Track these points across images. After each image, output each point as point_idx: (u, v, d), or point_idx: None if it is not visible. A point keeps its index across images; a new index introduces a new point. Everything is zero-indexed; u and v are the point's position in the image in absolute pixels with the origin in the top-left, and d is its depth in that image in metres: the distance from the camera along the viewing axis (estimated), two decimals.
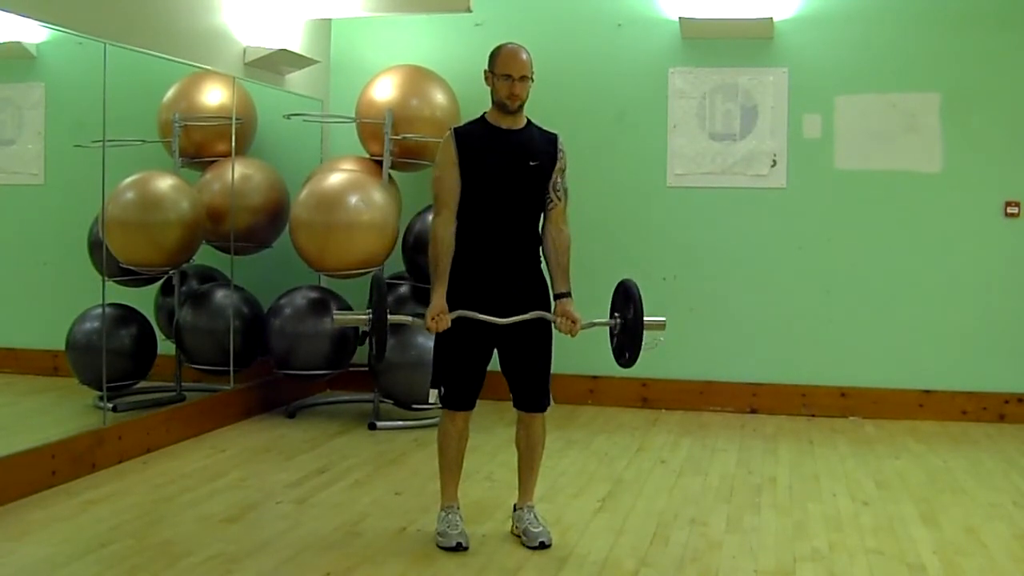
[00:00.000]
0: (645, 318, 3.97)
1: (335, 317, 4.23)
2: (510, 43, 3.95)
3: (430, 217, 4.09)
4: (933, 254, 6.61)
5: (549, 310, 4.05)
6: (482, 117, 4.01)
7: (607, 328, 4.16)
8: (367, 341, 4.06)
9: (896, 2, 6.58)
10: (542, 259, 4.08)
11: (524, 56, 3.91)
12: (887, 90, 6.61)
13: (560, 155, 4.02)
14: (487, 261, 3.97)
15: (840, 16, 6.63)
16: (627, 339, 4.04)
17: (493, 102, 3.96)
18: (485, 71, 3.95)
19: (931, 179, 6.60)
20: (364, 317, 3.97)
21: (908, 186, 6.61)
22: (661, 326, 4.05)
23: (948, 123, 6.55)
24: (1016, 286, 6.52)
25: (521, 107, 3.95)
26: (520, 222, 3.99)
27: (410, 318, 4.09)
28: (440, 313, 3.86)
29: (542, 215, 4.05)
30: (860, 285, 6.67)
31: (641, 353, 4.01)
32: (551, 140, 4.03)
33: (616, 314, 4.10)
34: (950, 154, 6.56)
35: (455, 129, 4.00)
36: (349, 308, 6.36)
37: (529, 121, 4.02)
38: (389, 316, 3.90)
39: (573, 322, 3.98)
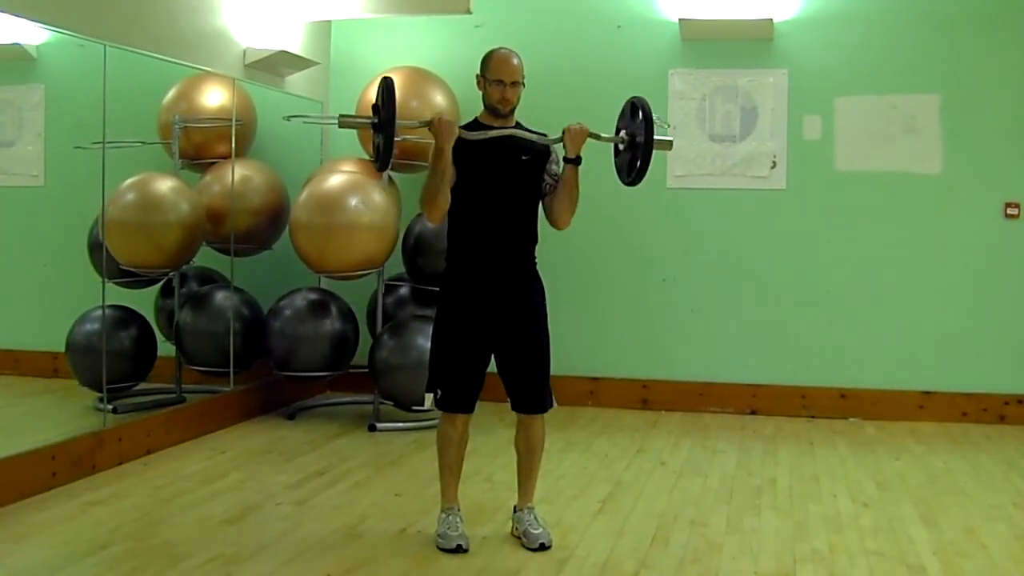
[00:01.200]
0: (655, 136, 3.91)
1: (341, 118, 4.07)
2: (502, 48, 4.01)
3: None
4: (933, 255, 6.61)
5: (545, 306, 4.07)
6: (474, 120, 4.07)
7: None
8: (373, 146, 3.93)
9: (896, 3, 6.58)
10: (538, 258, 4.09)
11: (516, 61, 3.95)
12: (887, 91, 6.62)
13: (551, 149, 4.07)
14: (483, 262, 3.98)
15: (840, 17, 6.63)
16: (633, 157, 3.99)
17: (485, 106, 4.02)
18: (477, 75, 4.00)
19: (931, 180, 6.60)
20: (371, 120, 3.90)
21: (908, 187, 6.62)
22: (668, 145, 4.03)
23: (948, 124, 6.56)
24: (1016, 287, 6.52)
25: (512, 111, 4.00)
26: (515, 218, 4.00)
27: (417, 122, 3.99)
28: (448, 120, 3.82)
29: (537, 213, 4.06)
30: (860, 286, 6.67)
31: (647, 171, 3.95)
32: (541, 137, 4.07)
33: (624, 130, 4.07)
34: (950, 155, 6.57)
35: None
36: (349, 311, 6.36)
37: (519, 123, 4.07)
38: (397, 120, 3.82)
39: (580, 126, 3.94)
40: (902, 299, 6.63)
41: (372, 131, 3.92)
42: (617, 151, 4.13)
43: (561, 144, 4.00)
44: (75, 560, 3.78)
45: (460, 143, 3.92)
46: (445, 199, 3.89)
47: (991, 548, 4.11)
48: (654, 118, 3.92)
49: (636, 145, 3.98)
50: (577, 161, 3.98)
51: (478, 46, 4.17)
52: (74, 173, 5.41)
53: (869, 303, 6.67)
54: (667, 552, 4.02)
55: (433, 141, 3.85)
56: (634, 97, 4.07)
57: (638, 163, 3.96)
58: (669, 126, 4.00)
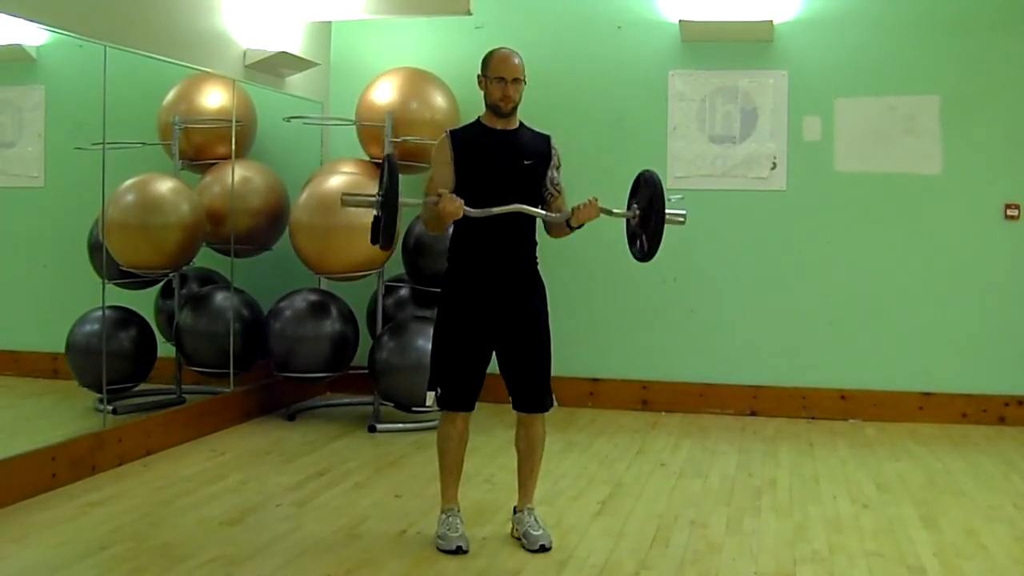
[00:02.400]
0: (667, 211, 3.90)
1: (344, 197, 4.03)
2: (502, 47, 4.01)
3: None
4: (933, 256, 6.61)
5: (547, 306, 4.08)
6: (477, 121, 4.07)
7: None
8: (374, 223, 3.90)
9: (896, 5, 6.58)
10: (539, 260, 4.09)
11: (516, 59, 3.96)
12: (887, 93, 6.62)
13: (554, 153, 4.07)
14: (485, 262, 3.99)
15: (840, 19, 6.63)
16: (646, 232, 3.98)
17: (487, 105, 4.01)
18: (478, 75, 4.00)
19: (931, 181, 6.60)
20: (374, 197, 3.88)
21: (908, 188, 6.62)
22: (682, 219, 3.97)
23: (948, 126, 6.56)
24: (1016, 289, 6.52)
25: (514, 110, 4.00)
26: (517, 222, 3.99)
27: (422, 200, 3.94)
28: (453, 197, 3.79)
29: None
30: (860, 287, 6.67)
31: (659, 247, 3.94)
32: (544, 140, 4.08)
33: (635, 204, 4.05)
34: (950, 156, 6.57)
35: (450, 131, 4.06)
36: (349, 312, 6.36)
37: (522, 123, 4.07)
38: (400, 198, 3.79)
39: (589, 203, 3.91)
40: (902, 300, 6.63)
41: (375, 210, 3.88)
42: (628, 225, 4.11)
43: (571, 214, 3.96)
44: (75, 561, 3.78)
45: (461, 145, 3.92)
46: (446, 229, 4.01)
47: (991, 549, 4.11)
48: (666, 193, 3.90)
49: (647, 223, 3.97)
50: (578, 227, 3.99)
51: (478, 47, 4.17)
52: (74, 174, 5.41)
53: (869, 304, 6.67)
54: (667, 553, 4.02)
55: (438, 208, 3.83)
56: (645, 171, 4.05)
57: (650, 239, 3.96)
58: (681, 199, 3.98)
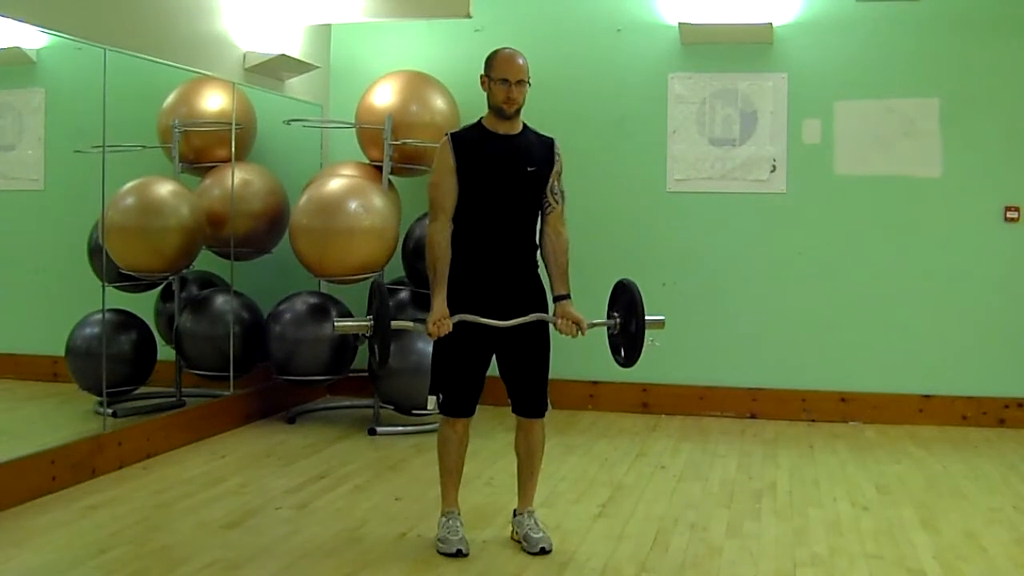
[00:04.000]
0: (646, 318, 3.94)
1: (336, 325, 4.14)
2: (506, 48, 3.96)
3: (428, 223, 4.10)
4: (933, 259, 6.61)
5: (547, 310, 4.07)
6: (479, 123, 4.01)
7: (604, 328, 4.14)
8: (369, 347, 4.03)
9: (895, 7, 6.58)
10: (540, 263, 4.08)
11: (521, 60, 3.90)
12: (887, 95, 6.62)
13: (557, 159, 4.02)
14: (485, 266, 3.98)
15: (839, 21, 6.64)
16: (626, 341, 4.03)
17: (489, 107, 3.95)
18: (481, 76, 3.94)
19: (930, 184, 6.60)
20: (366, 324, 3.94)
21: (908, 191, 6.62)
22: (660, 324, 4.02)
23: (947, 128, 6.56)
24: (1016, 291, 6.52)
25: (518, 112, 3.94)
26: (518, 227, 3.99)
27: (411, 323, 4.07)
28: (441, 318, 3.85)
29: (539, 219, 4.05)
30: (860, 290, 6.67)
31: (641, 354, 4.00)
32: (548, 145, 4.03)
33: (615, 314, 4.08)
34: (949, 159, 6.57)
35: (452, 134, 4.00)
36: (349, 314, 6.36)
37: (525, 126, 4.02)
38: (391, 322, 3.88)
39: (575, 323, 3.96)
40: (902, 303, 6.63)
41: (367, 336, 3.96)
42: (610, 332, 4.14)
43: (553, 312, 4.02)
44: (75, 564, 3.78)
45: (464, 149, 3.90)
46: None
47: (991, 551, 4.11)
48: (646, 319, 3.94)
49: (627, 331, 4.02)
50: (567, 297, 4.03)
51: (478, 50, 4.16)
52: (74, 177, 5.41)
53: (869, 306, 6.67)
54: (667, 556, 4.02)
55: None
56: (623, 279, 4.09)
57: (631, 347, 4.02)
58: (654, 342, 4.04)
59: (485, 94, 3.95)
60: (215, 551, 3.95)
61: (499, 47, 3.98)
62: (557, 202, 4.03)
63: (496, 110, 3.93)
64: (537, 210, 4.02)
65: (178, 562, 3.82)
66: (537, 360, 4.04)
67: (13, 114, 5.28)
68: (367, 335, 3.97)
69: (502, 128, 3.95)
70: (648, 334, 3.97)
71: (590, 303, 6.87)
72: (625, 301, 4.04)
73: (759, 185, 6.76)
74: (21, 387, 5.42)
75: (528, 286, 4.04)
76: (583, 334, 4.00)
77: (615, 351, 4.14)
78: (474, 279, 3.97)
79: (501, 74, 3.87)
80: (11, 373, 5.36)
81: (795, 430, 6.42)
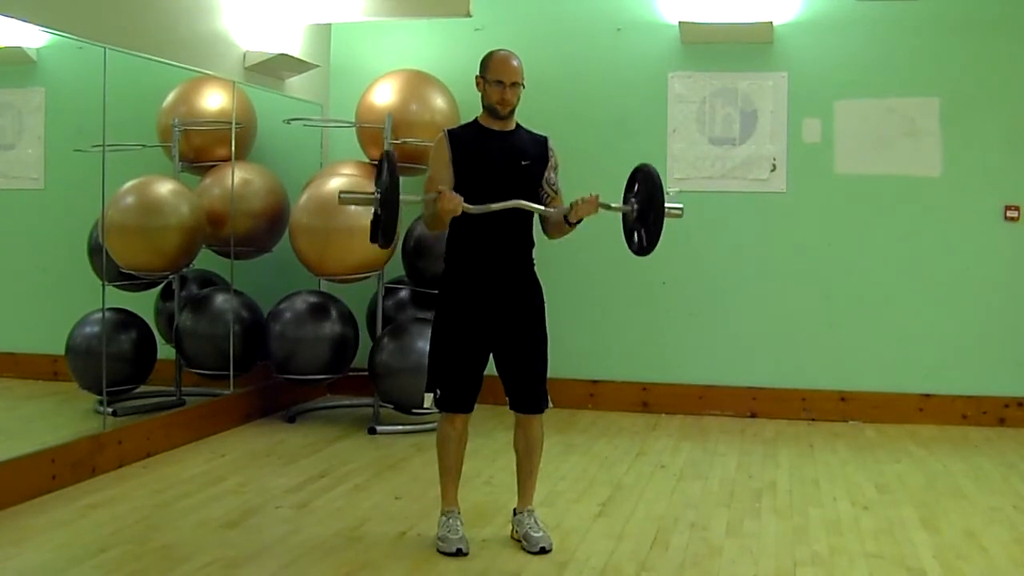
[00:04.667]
0: (665, 205, 3.89)
1: (341, 196, 4.00)
2: (502, 49, 4.02)
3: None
4: (933, 258, 6.61)
5: (544, 307, 4.09)
6: (474, 121, 4.07)
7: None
8: (373, 223, 3.88)
9: (896, 7, 6.57)
10: (536, 261, 4.09)
11: (515, 63, 3.96)
12: (887, 95, 6.62)
13: (551, 154, 4.07)
14: (482, 262, 3.99)
15: (840, 21, 6.64)
16: (644, 227, 3.98)
17: (484, 107, 4.02)
18: (477, 77, 4.00)
19: (931, 183, 6.60)
20: (372, 195, 3.85)
21: (908, 190, 6.62)
22: (679, 213, 3.97)
23: (948, 127, 6.56)
24: (1016, 290, 6.52)
25: (512, 113, 4.00)
26: (513, 223, 3.99)
27: (421, 197, 3.92)
28: (453, 195, 3.78)
29: (534, 217, 4.06)
30: (860, 289, 6.67)
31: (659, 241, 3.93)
32: (541, 142, 4.09)
33: (633, 199, 4.04)
34: (950, 158, 6.57)
35: (448, 130, 4.07)
36: (349, 314, 6.36)
37: (519, 125, 4.08)
38: (400, 195, 3.76)
39: (588, 200, 3.89)
40: (902, 302, 6.63)
41: (374, 208, 3.86)
42: (625, 219, 4.10)
43: (568, 209, 3.94)
44: (75, 563, 3.78)
45: (459, 146, 3.93)
46: (446, 226, 3.95)
47: (991, 551, 4.11)
48: (664, 187, 3.90)
49: (646, 217, 3.96)
50: (576, 223, 3.97)
51: (478, 49, 4.17)
52: (74, 176, 5.41)
53: (869, 306, 6.67)
54: (667, 555, 4.02)
55: (438, 206, 3.81)
56: (642, 165, 4.04)
57: (649, 234, 3.96)
58: (677, 192, 3.99)
59: (480, 94, 4.01)
60: (215, 550, 3.95)
61: (496, 48, 4.04)
62: (555, 192, 4.07)
63: (490, 110, 3.99)
64: None
65: (178, 561, 3.82)
66: (534, 356, 4.04)
67: (13, 113, 5.28)
68: (377, 210, 3.83)
69: (497, 126, 4.01)
70: (667, 185, 3.89)
71: (590, 302, 6.91)
72: (645, 187, 3.99)
73: (759, 184, 6.76)
74: (21, 386, 5.42)
75: (524, 282, 4.05)
76: (598, 209, 3.91)
77: (630, 237, 4.10)
78: (470, 274, 3.99)
79: (496, 76, 3.93)
80: (11, 372, 5.36)
81: (795, 429, 6.42)
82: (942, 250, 6.60)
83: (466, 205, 3.81)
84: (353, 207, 5.24)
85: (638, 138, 6.85)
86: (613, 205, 4.01)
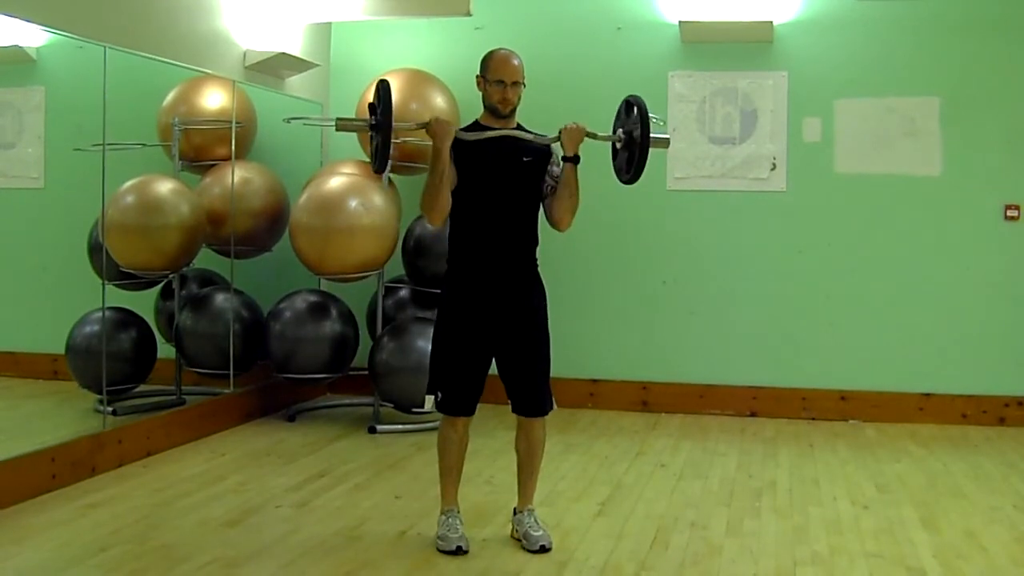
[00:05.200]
0: (651, 134, 3.92)
1: (338, 121, 4.09)
2: (502, 49, 4.02)
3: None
4: (933, 257, 6.61)
5: (546, 309, 4.08)
6: (475, 122, 4.07)
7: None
8: (371, 150, 3.94)
9: (896, 6, 6.57)
10: (538, 260, 4.09)
11: (516, 62, 3.96)
12: (887, 94, 6.62)
13: (552, 150, 4.08)
14: (484, 264, 3.98)
15: (840, 20, 6.63)
16: (631, 154, 3.99)
17: (485, 107, 4.02)
18: (477, 76, 4.01)
19: (931, 183, 6.60)
20: (367, 121, 3.92)
21: (908, 190, 6.62)
22: (666, 143, 4.02)
23: (948, 127, 6.56)
24: (1016, 290, 6.52)
25: (513, 112, 4.00)
26: (516, 220, 4.00)
27: (413, 123, 3.99)
28: (444, 120, 3.86)
29: (537, 215, 4.07)
30: (860, 288, 6.67)
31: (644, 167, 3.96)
32: (539, 137, 4.07)
33: (620, 129, 4.07)
34: (950, 158, 6.57)
35: None
36: (349, 313, 6.36)
37: (520, 125, 4.07)
38: (394, 122, 3.84)
39: (575, 125, 3.95)
40: (902, 301, 6.63)
41: (370, 132, 3.94)
42: (615, 151, 4.12)
43: (559, 144, 4.00)
44: (75, 563, 3.78)
45: (460, 145, 3.93)
46: (446, 201, 3.89)
47: (991, 550, 4.11)
48: (650, 116, 3.92)
49: (633, 143, 3.98)
50: (575, 160, 3.98)
51: (478, 48, 4.17)
52: (74, 175, 5.41)
53: (869, 305, 6.67)
54: (667, 555, 4.02)
55: (432, 143, 3.86)
56: (630, 96, 4.07)
57: (635, 160, 3.97)
58: (664, 123, 4.02)
59: (481, 94, 4.01)
60: (215, 549, 3.95)
61: (496, 47, 4.04)
62: (557, 183, 4.06)
63: (491, 109, 4.00)
64: (535, 206, 4.04)
65: (178, 560, 3.82)
66: (536, 358, 4.04)
67: (13, 112, 5.28)
68: (372, 137, 3.92)
69: (498, 125, 4.01)
70: (653, 113, 3.94)
71: (590, 301, 6.91)
72: (629, 114, 4.02)
73: (759, 183, 6.76)
74: (21, 385, 5.42)
75: (527, 284, 4.05)
76: (584, 136, 3.96)
77: (619, 166, 4.12)
78: (473, 275, 3.99)
79: (496, 75, 3.94)
80: (11, 371, 5.36)
81: (795, 428, 6.42)
82: (942, 250, 6.60)
83: (459, 132, 3.88)
84: (355, 222, 5.29)
85: None
86: (600, 135, 4.04)
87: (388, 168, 4.03)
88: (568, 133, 3.95)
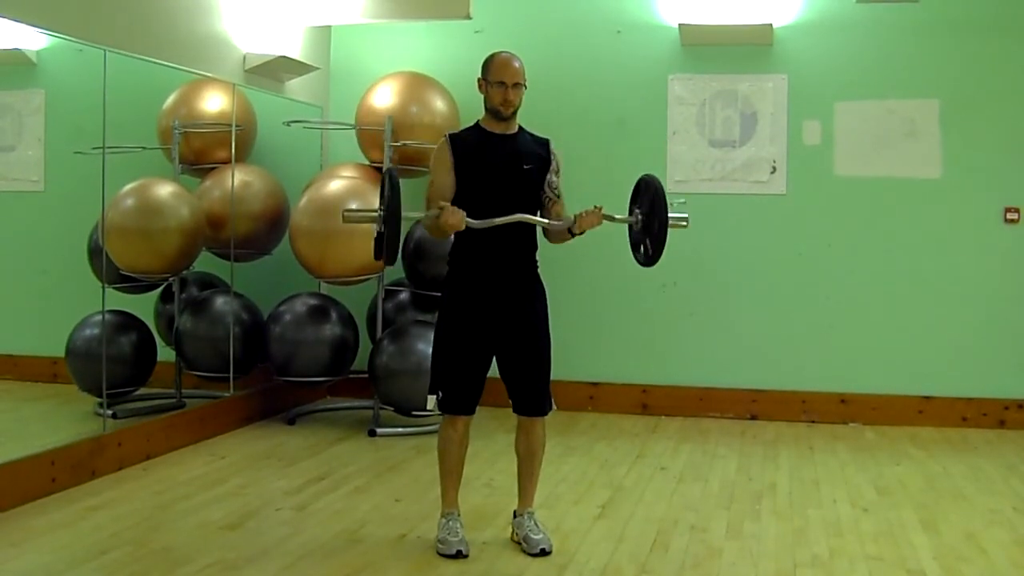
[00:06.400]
0: (669, 215, 3.90)
1: (345, 213, 4.02)
2: (503, 51, 4.02)
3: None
4: (933, 260, 6.61)
5: (547, 310, 4.09)
6: (476, 124, 4.07)
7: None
8: (376, 241, 3.87)
9: (895, 9, 6.57)
10: (539, 262, 4.09)
11: (517, 64, 3.96)
12: (886, 96, 6.62)
13: (553, 157, 4.08)
14: (486, 266, 3.99)
15: (839, 23, 6.64)
16: (649, 238, 3.99)
17: (486, 109, 4.02)
18: (479, 79, 4.01)
19: (930, 185, 6.60)
20: (376, 212, 3.87)
21: (908, 192, 6.62)
22: (685, 223, 3.99)
23: (947, 129, 6.56)
24: (1016, 292, 6.52)
25: (514, 114, 4.00)
26: (516, 227, 3.99)
27: (423, 214, 3.90)
28: (455, 210, 3.78)
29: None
30: (860, 291, 6.67)
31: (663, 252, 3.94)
32: (543, 144, 4.09)
33: (637, 210, 4.06)
34: (949, 160, 6.57)
35: (450, 134, 4.06)
36: (349, 316, 6.36)
37: (521, 127, 4.07)
38: (403, 212, 3.76)
39: (592, 212, 3.92)
40: (902, 304, 6.63)
41: (376, 226, 3.86)
42: (631, 230, 4.11)
43: (573, 220, 3.96)
44: (75, 565, 3.78)
45: (461, 148, 3.93)
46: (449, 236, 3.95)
47: (991, 553, 4.11)
48: (668, 197, 3.91)
49: (650, 228, 3.97)
50: (580, 234, 3.98)
51: (478, 51, 4.18)
52: (74, 178, 5.41)
53: (869, 308, 6.67)
54: (667, 557, 4.02)
55: (440, 216, 3.80)
56: (645, 175, 4.06)
57: (651, 252, 3.99)
58: (683, 202, 3.99)
59: (482, 96, 4.00)
60: (215, 552, 3.95)
61: (497, 50, 4.04)
62: (557, 195, 4.07)
63: (493, 112, 3.99)
64: (535, 210, 4.03)
65: (178, 563, 3.82)
66: (537, 358, 4.04)
67: (13, 115, 5.28)
68: (380, 229, 3.83)
69: (499, 129, 4.01)
70: (671, 196, 3.92)
71: (590, 304, 6.91)
72: (648, 197, 4.01)
73: (759, 186, 6.77)
74: (21, 388, 5.43)
75: (528, 285, 4.05)
76: (601, 221, 3.94)
77: (635, 248, 4.12)
78: (474, 277, 3.99)
79: (498, 77, 3.94)
80: (11, 374, 5.36)
81: (795, 431, 6.42)
82: (942, 252, 6.60)
83: (469, 220, 3.80)
84: (355, 225, 5.26)
85: (638, 140, 6.85)
86: (617, 216, 4.02)
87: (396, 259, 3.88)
88: (585, 220, 3.93)
